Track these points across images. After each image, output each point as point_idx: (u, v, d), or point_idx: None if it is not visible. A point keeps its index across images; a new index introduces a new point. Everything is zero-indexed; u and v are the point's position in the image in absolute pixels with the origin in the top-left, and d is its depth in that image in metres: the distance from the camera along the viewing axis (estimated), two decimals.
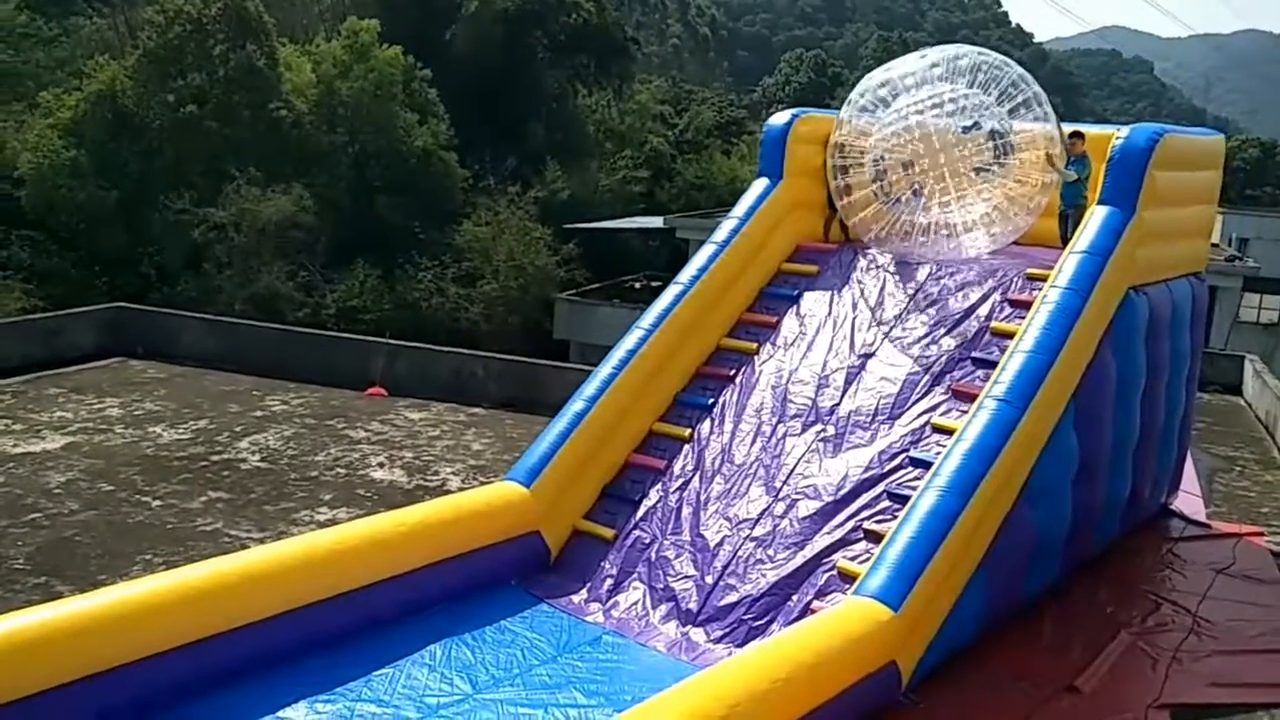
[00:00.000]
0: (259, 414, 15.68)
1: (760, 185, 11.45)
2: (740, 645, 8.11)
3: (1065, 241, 10.55)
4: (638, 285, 32.35)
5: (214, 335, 19.33)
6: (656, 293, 11.59)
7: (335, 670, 7.52)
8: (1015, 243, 11.42)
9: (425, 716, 7.12)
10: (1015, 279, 10.31)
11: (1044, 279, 9.80)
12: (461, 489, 12.58)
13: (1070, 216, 10.71)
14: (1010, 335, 9.41)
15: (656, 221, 33.74)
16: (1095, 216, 9.84)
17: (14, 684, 6.43)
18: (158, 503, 12.06)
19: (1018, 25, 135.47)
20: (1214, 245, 13.28)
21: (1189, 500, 12.42)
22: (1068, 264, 9.56)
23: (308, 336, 20.11)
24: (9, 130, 29.15)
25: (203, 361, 18.14)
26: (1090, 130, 11.16)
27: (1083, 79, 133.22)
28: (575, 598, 8.99)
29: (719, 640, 8.33)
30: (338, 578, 8.09)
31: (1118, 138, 10.03)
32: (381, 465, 13.69)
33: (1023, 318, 9.50)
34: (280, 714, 7.01)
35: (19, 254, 26.79)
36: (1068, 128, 11.07)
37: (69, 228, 27.74)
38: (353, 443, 14.55)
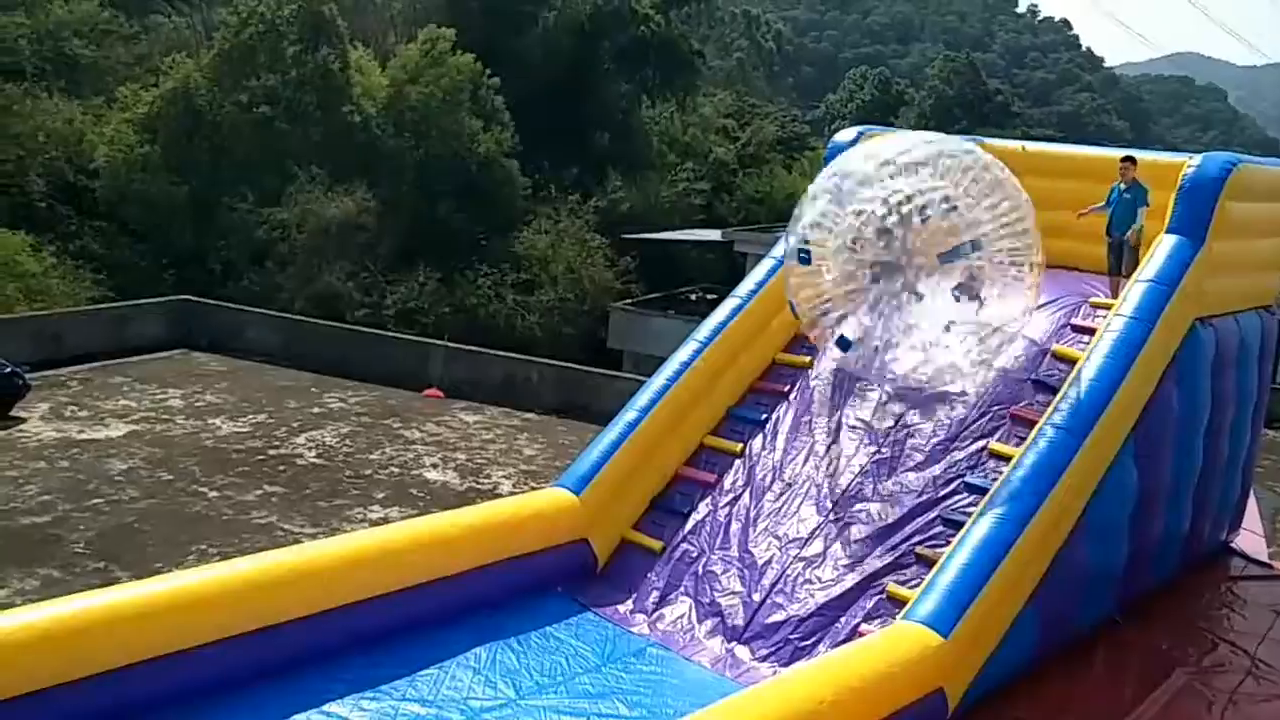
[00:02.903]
0: (317, 410, 15.91)
1: None
2: (785, 665, 8.06)
3: (1114, 271, 10.39)
4: (693, 297, 32.30)
5: (276, 331, 19.66)
6: (712, 305, 11.58)
7: (381, 669, 7.59)
8: (1071, 267, 11.30)
9: (468, 718, 7.16)
10: (1079, 304, 10.16)
11: (1108, 307, 9.65)
12: (512, 493, 12.67)
13: (1120, 244, 10.46)
14: (1072, 360, 9.27)
15: (714, 234, 33.70)
16: (1163, 246, 9.66)
17: (66, 668, 6.57)
18: (215, 494, 12.29)
19: (1088, 49, 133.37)
20: None
21: (1251, 539, 12.13)
22: (1133, 293, 9.39)
23: (367, 336, 20.38)
24: (88, 123, 29.84)
25: (264, 356, 18.48)
26: (1160, 158, 10.98)
27: (1153, 105, 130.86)
28: (621, 608, 8.99)
29: (764, 659, 8.28)
30: (386, 577, 8.17)
31: (1189, 166, 9.86)
32: (435, 466, 13.83)
33: (1085, 343, 9.35)
34: (325, 709, 7.09)
35: (91, 244, 27.41)
36: (1118, 153, 10.91)
37: (140, 220, 28.31)
38: (408, 443, 14.71)
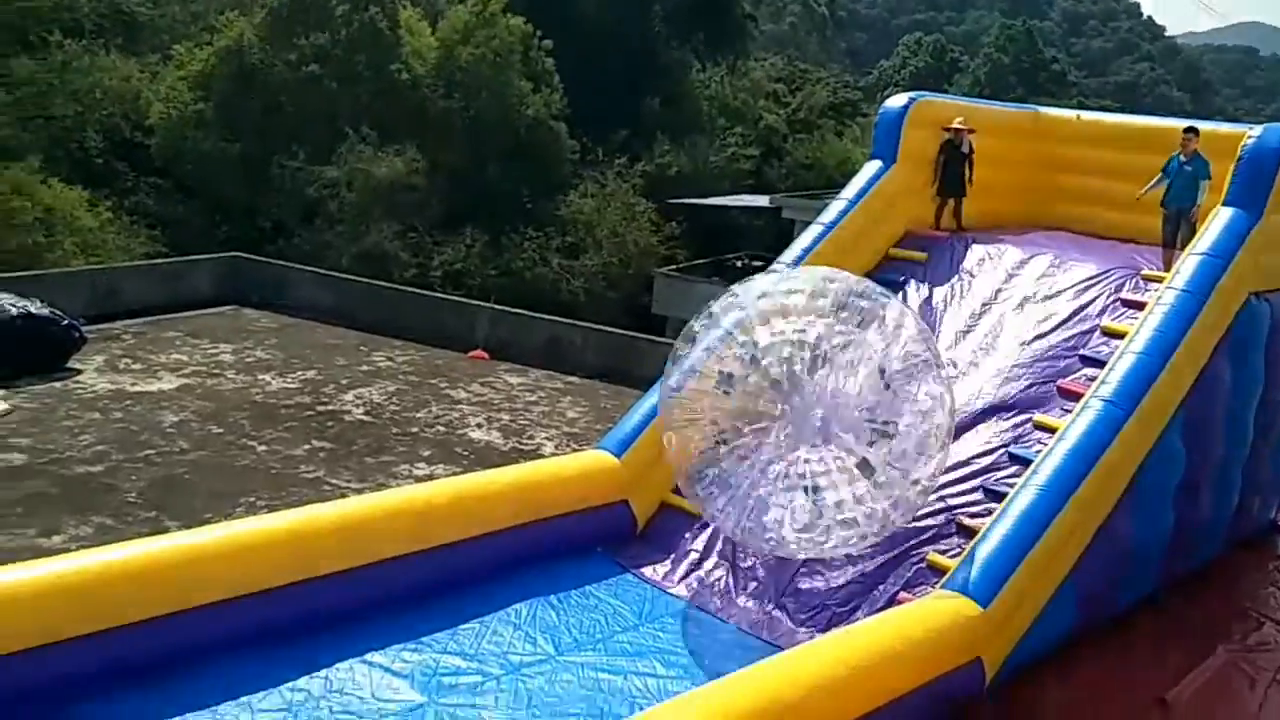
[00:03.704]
0: (365, 368, 16.11)
1: (872, 167, 11.30)
2: (822, 630, 8.09)
3: (1168, 243, 10.23)
4: (739, 264, 32.11)
5: (325, 289, 19.88)
6: (757, 272, 11.54)
7: (423, 622, 7.73)
8: (1124, 239, 11.15)
9: (508, 673, 7.28)
10: (1130, 278, 10.01)
11: (1160, 280, 9.50)
12: (555, 454, 12.77)
13: (1176, 216, 10.28)
14: (1121, 335, 9.15)
15: (762, 200, 33.44)
16: (1219, 218, 9.48)
17: (120, 611, 6.76)
18: (263, 448, 12.51)
19: (1149, 18, 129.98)
20: None
21: None
22: (1186, 265, 9.24)
23: (415, 296, 20.54)
24: (144, 81, 30.18)
25: (313, 313, 18.68)
26: (1220, 129, 10.76)
27: (1215, 76, 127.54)
28: (659, 569, 9.06)
29: (801, 624, 8.32)
30: (430, 532, 8.29)
31: (1249, 137, 9.64)
32: (480, 426, 13.96)
33: (1135, 318, 9.23)
34: (367, 658, 7.24)
35: (146, 201, 27.80)
36: (1181, 123, 10.70)
37: (193, 177, 28.66)
38: (453, 402, 14.86)
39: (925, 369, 7.91)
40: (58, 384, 13.93)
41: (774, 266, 9.91)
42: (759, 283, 8.43)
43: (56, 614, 6.55)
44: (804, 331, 7.84)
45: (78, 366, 14.64)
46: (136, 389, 14.13)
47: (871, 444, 7.66)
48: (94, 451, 11.90)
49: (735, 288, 8.43)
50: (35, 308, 14.50)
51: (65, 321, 14.71)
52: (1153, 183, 10.44)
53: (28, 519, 10.13)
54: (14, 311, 14.26)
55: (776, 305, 8.04)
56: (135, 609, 6.82)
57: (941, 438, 7.88)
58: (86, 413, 13.06)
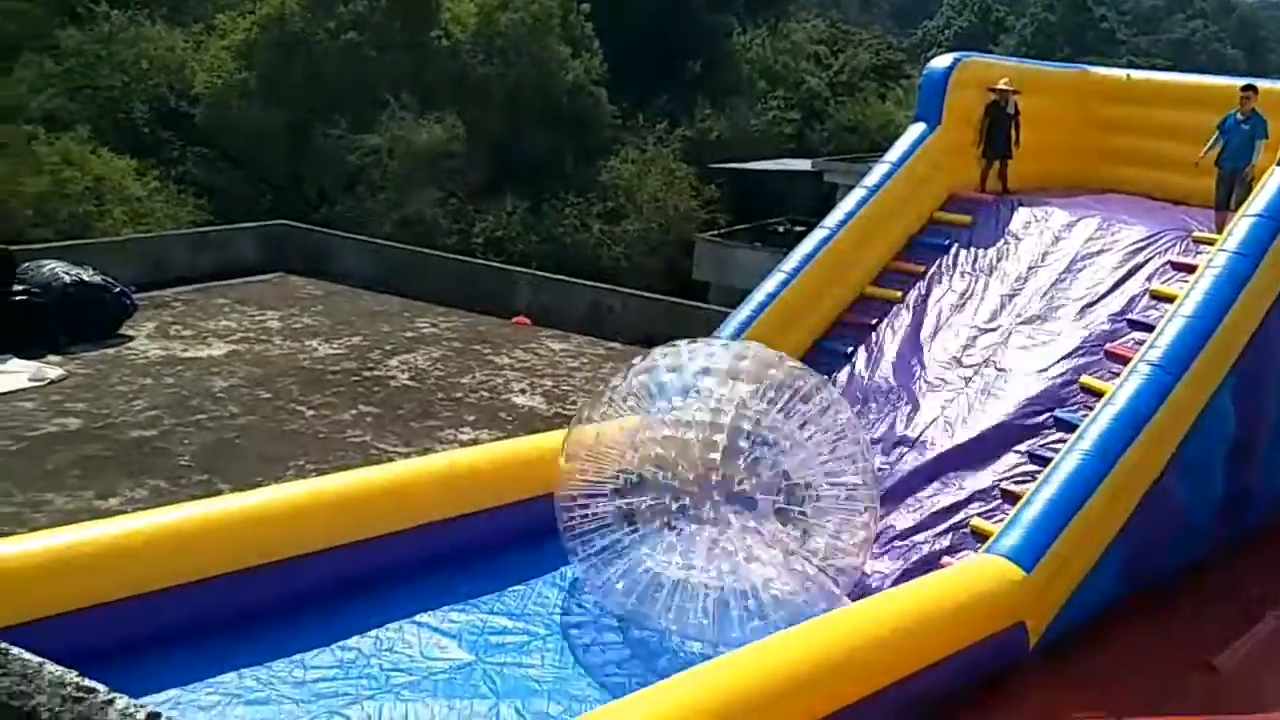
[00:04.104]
0: (409, 335, 16.26)
1: (916, 130, 11.19)
2: (866, 594, 8.12)
3: (1220, 206, 10.04)
4: (780, 229, 31.92)
5: (369, 256, 20.05)
6: (800, 238, 11.50)
7: (470, 583, 7.84)
8: (1181, 202, 10.95)
9: (554, 633, 7.39)
10: (1181, 241, 9.86)
11: (1212, 242, 9.35)
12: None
13: (1230, 177, 10.07)
14: (1171, 299, 9.03)
15: (804, 164, 33.17)
16: (1274, 178, 9.29)
17: (175, 571, 6.92)
18: (311, 412, 12.70)
19: None
20: None
21: None
22: (1239, 227, 9.07)
23: (457, 263, 20.67)
24: (188, 51, 30.46)
25: (357, 281, 18.86)
26: (1276, 86, 10.52)
27: (1272, 33, 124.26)
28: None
29: (844, 588, 8.33)
30: (478, 495, 8.39)
31: None
32: (523, 391, 14.08)
33: (1186, 281, 9.09)
34: (416, 619, 7.37)
35: (193, 170, 28.16)
36: (1235, 81, 10.47)
37: (238, 146, 28.96)
38: (497, 368, 14.98)
39: (847, 461, 7.44)
40: (110, 350, 14.20)
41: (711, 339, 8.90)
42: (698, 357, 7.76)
43: (114, 575, 6.72)
44: (752, 410, 7.33)
45: (129, 333, 14.91)
46: (187, 355, 14.38)
47: (788, 532, 7.12)
48: (147, 416, 12.14)
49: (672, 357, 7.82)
50: (88, 276, 14.76)
51: (117, 289, 14.96)
52: (1210, 143, 10.23)
53: (85, 481, 10.38)
54: (67, 280, 14.53)
55: (743, 371, 7.51)
56: (190, 570, 6.97)
57: (859, 533, 7.47)
58: (139, 378, 13.31)
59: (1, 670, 1.77)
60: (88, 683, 1.78)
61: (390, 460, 10.77)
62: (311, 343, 15.41)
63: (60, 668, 1.81)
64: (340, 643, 7.05)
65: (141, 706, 1.77)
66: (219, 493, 9.73)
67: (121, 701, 1.75)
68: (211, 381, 13.40)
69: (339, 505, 7.82)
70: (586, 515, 7.45)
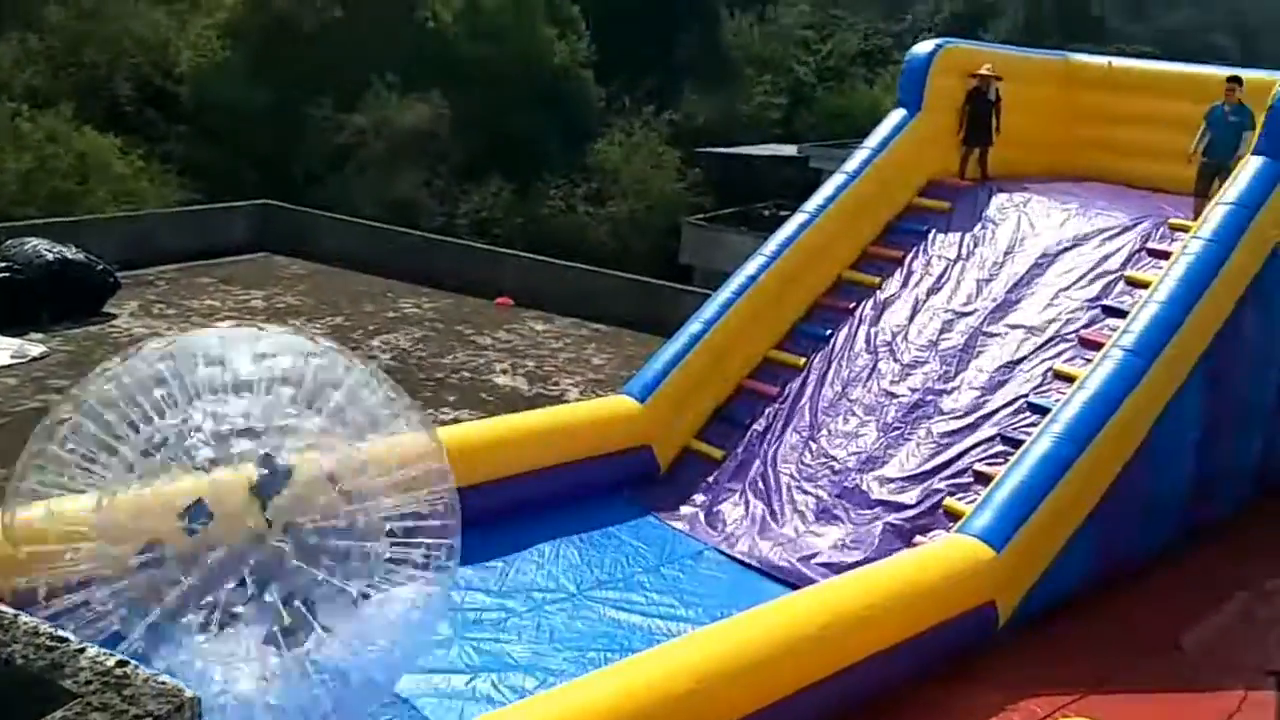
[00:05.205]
0: (392, 314, 16.29)
1: (897, 116, 11.27)
2: (838, 573, 8.24)
3: (1200, 193, 10.13)
4: (766, 213, 31.99)
5: (353, 236, 20.02)
6: (785, 222, 11.58)
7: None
8: (1160, 189, 11.06)
9: (530, 609, 7.49)
10: (1157, 228, 9.98)
11: (1187, 229, 9.47)
12: (579, 400, 12.92)
13: (1216, 166, 10.14)
14: (1145, 285, 9.16)
15: (790, 149, 33.27)
16: (1247, 167, 9.41)
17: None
18: None
19: None
20: None
21: None
22: (1213, 215, 9.20)
23: (441, 244, 20.66)
24: (172, 29, 30.30)
25: (341, 261, 18.85)
26: (1254, 75, 10.62)
27: (1262, 21, 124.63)
28: (682, 511, 9.23)
29: (819, 566, 8.47)
30: (457, 474, 8.43)
31: None
32: (505, 372, 14.13)
33: (1161, 268, 9.21)
34: (392, 594, 7.44)
35: (177, 149, 28.06)
36: (1225, 72, 10.56)
37: (223, 125, 28.85)
38: (479, 349, 15.03)
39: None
40: (93, 328, 14.19)
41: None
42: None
43: None
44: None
45: (113, 311, 14.89)
46: (170, 334, 14.38)
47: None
48: None
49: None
50: (71, 253, 14.73)
51: (100, 267, 14.93)
52: (1199, 135, 10.27)
53: None
54: (50, 257, 14.50)
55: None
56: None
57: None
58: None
59: None
60: (60, 633, 1.86)
61: None
62: (295, 322, 15.42)
63: (34, 619, 1.89)
64: None
65: (111, 654, 1.85)
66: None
67: (92, 650, 1.83)
68: None
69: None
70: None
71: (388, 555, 5.37)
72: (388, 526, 5.39)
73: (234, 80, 28.79)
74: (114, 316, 14.77)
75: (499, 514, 8.51)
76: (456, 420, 11.99)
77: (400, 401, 5.78)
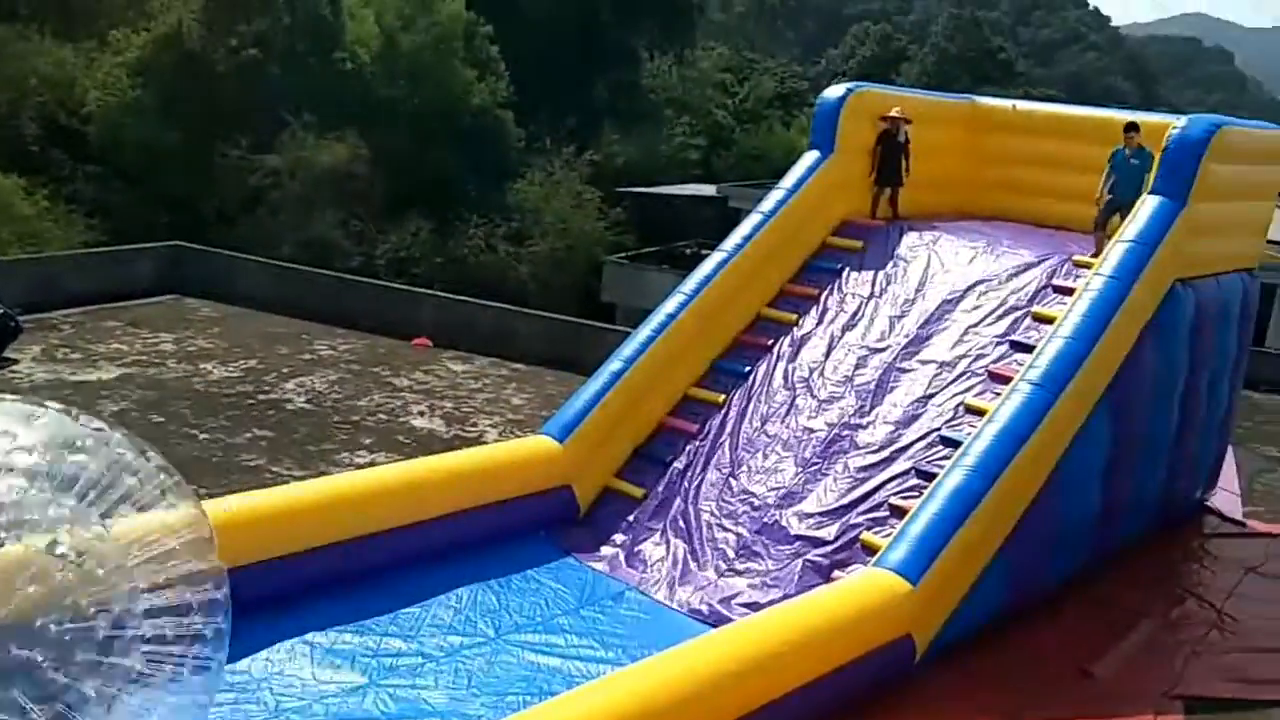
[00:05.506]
0: (307, 357, 16.01)
1: (810, 157, 11.45)
2: (759, 610, 8.24)
3: (1098, 227, 10.46)
4: (688, 252, 32.27)
5: (268, 278, 19.69)
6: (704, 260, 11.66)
7: (364, 605, 7.77)
8: (1064, 228, 11.40)
9: (448, 655, 7.35)
10: (1062, 264, 10.26)
11: (1089, 266, 9.76)
12: (498, 441, 12.80)
13: (1117, 207, 10.46)
14: (1051, 320, 9.40)
15: (709, 189, 33.71)
16: (1145, 206, 9.75)
17: None
18: (205, 436, 12.42)
19: (1095, 8, 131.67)
20: (1273, 242, 13.00)
21: (1227, 498, 12.32)
22: (1114, 252, 9.50)
23: (358, 284, 20.41)
24: (80, 66, 29.67)
25: (255, 303, 18.51)
26: (1151, 119, 11.03)
27: (1159, 67, 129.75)
28: (602, 553, 9.16)
29: (740, 604, 8.45)
30: (372, 518, 8.32)
31: (1174, 128, 9.91)
32: (422, 414, 13.96)
33: (1065, 304, 9.47)
34: (307, 638, 7.28)
35: (85, 189, 27.39)
36: (1124, 116, 10.96)
37: (132, 165, 28.26)
38: (395, 390, 14.83)
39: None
40: None
41: None
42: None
43: None
44: None
45: (15, 356, 14.41)
46: (75, 378, 13.95)
47: None
48: None
49: None
50: None
51: (1, 311, 14.46)
52: (1104, 177, 10.58)
53: None
54: None
55: None
56: None
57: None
58: None
59: None
60: None
61: (284, 484, 10.57)
62: (206, 365, 15.08)
63: None
64: (229, 667, 6.90)
65: None
66: None
67: None
68: (101, 405, 13.01)
69: (229, 528, 7.64)
70: None
71: (139, 668, 4.99)
72: (143, 628, 5.02)
73: (144, 120, 28.28)
74: (15, 361, 14.29)
75: (416, 558, 8.40)
76: (373, 463, 11.78)
77: (169, 479, 5.58)
